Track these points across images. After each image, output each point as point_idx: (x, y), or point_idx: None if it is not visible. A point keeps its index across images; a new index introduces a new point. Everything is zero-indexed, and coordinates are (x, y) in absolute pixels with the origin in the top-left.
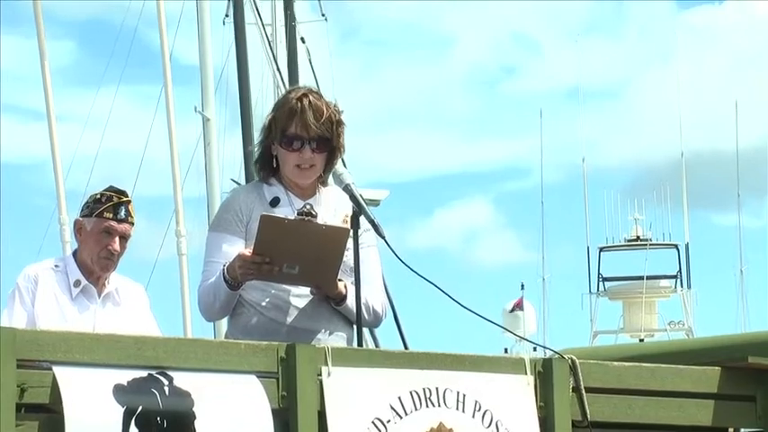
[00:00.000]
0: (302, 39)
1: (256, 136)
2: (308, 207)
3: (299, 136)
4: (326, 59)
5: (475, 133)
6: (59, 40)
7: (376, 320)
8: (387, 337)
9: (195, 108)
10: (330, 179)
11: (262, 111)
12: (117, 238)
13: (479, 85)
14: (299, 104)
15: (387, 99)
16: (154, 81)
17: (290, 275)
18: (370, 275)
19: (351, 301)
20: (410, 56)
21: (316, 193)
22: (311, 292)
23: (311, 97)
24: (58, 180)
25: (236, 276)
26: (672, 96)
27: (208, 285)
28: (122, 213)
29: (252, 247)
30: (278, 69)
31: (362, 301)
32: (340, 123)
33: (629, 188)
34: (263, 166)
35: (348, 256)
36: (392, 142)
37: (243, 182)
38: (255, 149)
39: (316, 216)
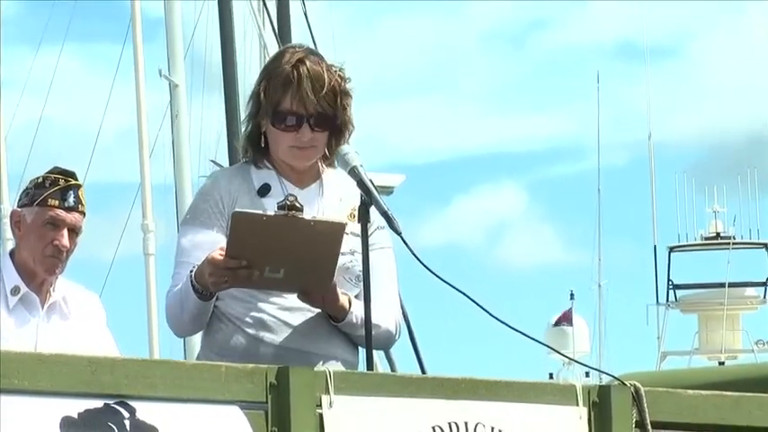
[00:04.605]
0: None
1: (242, 107)
2: (291, 199)
3: (294, 112)
4: (321, 11)
5: (500, 103)
6: None
7: (387, 341)
8: (400, 358)
9: (160, 71)
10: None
11: (244, 74)
12: (65, 231)
13: (503, 43)
14: (295, 73)
15: (391, 59)
16: (109, 38)
17: (274, 281)
18: (382, 284)
19: (355, 317)
20: (416, 4)
21: (317, 179)
22: (299, 298)
23: (308, 62)
24: None
25: (206, 284)
26: (751, 54)
27: (175, 293)
28: (71, 200)
29: (225, 249)
30: (270, 19)
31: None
32: (346, 94)
33: (704, 172)
34: (252, 144)
35: (354, 262)
36: (398, 114)
37: (226, 164)
38: (242, 124)
39: (301, 209)
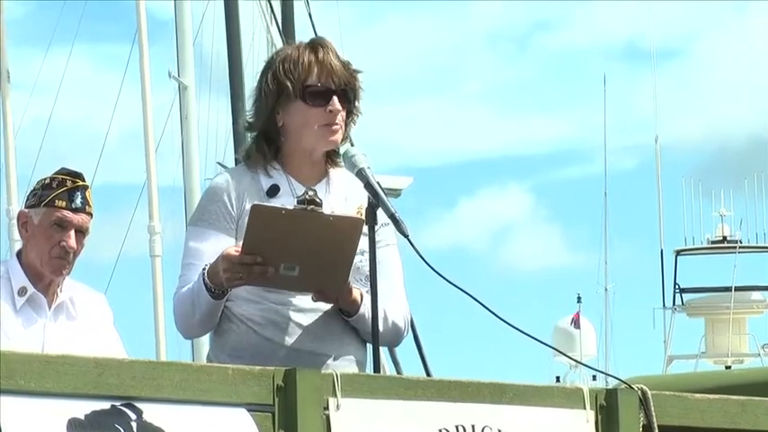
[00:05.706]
0: None
1: (248, 108)
2: (311, 194)
3: (324, 85)
4: (327, 11)
5: (506, 105)
6: None
7: (396, 337)
8: (405, 361)
9: (169, 73)
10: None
11: (252, 75)
12: (72, 232)
13: (508, 44)
14: (315, 52)
15: (395, 60)
16: (118, 39)
17: (289, 278)
18: (390, 281)
19: (367, 312)
20: (421, 4)
21: (324, 177)
22: (312, 299)
23: (321, 44)
24: (8, 162)
25: (219, 282)
26: (756, 55)
27: (185, 293)
28: (78, 201)
29: (240, 245)
30: (275, 20)
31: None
32: (357, 77)
33: (711, 175)
34: (262, 146)
35: (364, 261)
36: (404, 116)
37: (232, 166)
38: (247, 126)
39: (320, 204)
